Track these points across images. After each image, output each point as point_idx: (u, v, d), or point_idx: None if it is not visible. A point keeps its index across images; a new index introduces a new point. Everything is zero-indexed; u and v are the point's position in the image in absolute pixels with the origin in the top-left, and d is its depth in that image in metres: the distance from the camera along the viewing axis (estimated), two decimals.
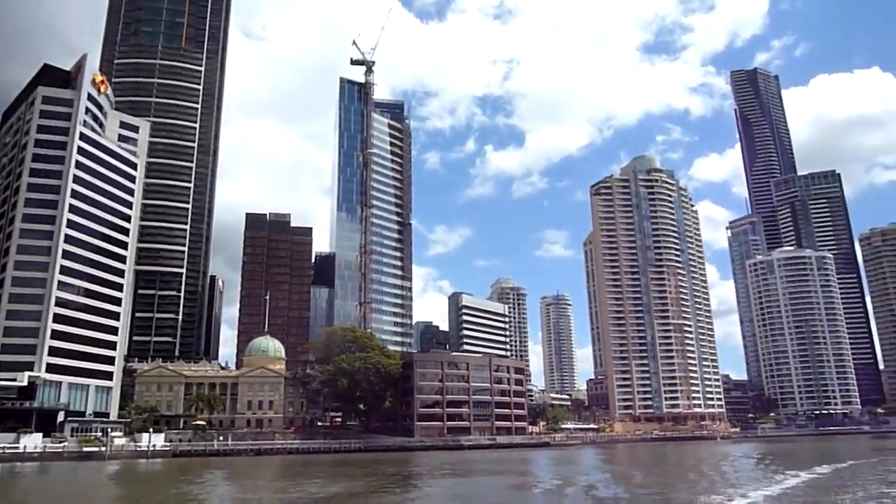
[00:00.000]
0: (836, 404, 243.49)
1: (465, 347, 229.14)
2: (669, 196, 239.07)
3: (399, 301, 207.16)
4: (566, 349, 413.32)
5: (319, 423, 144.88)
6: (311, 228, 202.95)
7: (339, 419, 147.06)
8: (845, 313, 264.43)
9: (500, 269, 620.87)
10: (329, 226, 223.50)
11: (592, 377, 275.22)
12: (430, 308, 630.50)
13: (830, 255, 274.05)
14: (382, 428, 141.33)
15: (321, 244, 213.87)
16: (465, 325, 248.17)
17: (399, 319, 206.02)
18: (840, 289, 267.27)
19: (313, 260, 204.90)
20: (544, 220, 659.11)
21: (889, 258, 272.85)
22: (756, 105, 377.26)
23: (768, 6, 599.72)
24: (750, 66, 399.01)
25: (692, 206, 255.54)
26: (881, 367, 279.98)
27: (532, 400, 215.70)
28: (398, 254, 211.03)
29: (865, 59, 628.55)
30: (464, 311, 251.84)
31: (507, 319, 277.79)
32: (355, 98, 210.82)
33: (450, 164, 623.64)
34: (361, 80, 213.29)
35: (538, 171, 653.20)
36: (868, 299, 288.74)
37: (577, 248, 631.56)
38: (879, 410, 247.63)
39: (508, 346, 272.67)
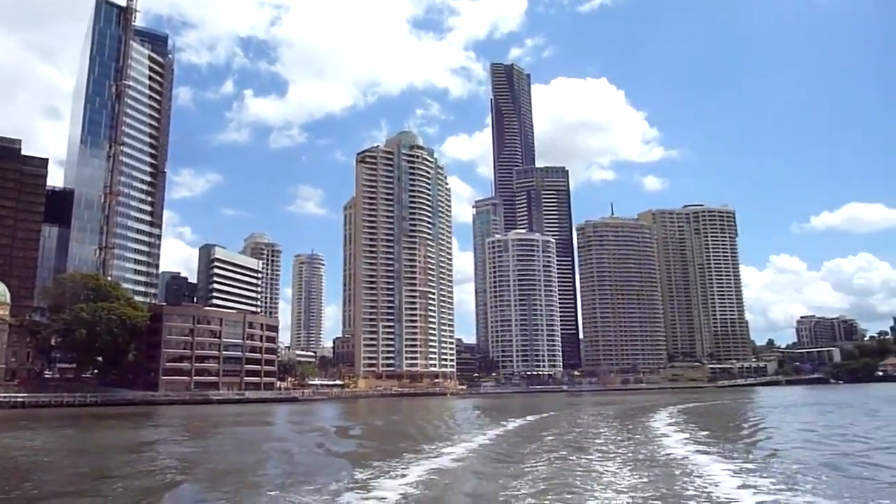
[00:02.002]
0: (544, 367, 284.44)
1: (215, 301, 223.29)
2: (428, 172, 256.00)
3: (146, 249, 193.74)
4: (315, 307, 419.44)
5: (48, 376, 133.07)
6: (46, 160, 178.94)
7: (74, 371, 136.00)
8: (559, 291, 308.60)
9: (249, 220, 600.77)
10: (66, 157, 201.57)
11: (339, 335, 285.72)
12: (168, 255, 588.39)
13: (553, 240, 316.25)
14: (122, 381, 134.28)
15: (51, 176, 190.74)
16: (216, 279, 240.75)
17: (144, 268, 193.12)
18: (557, 269, 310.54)
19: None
20: (300, 175, 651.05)
21: (596, 247, 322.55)
22: (509, 98, 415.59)
23: (526, 7, 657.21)
24: (505, 57, 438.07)
25: (446, 184, 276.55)
26: (581, 336, 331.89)
27: (279, 356, 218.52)
28: (149, 198, 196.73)
29: (597, 70, 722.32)
30: (216, 264, 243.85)
31: (260, 275, 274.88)
32: (113, 22, 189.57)
33: (203, 103, 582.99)
34: (122, 2, 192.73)
35: (298, 124, 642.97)
36: (577, 280, 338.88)
37: (330, 208, 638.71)
38: (576, 373, 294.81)
39: (260, 302, 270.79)
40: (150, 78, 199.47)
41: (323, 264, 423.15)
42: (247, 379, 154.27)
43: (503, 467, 29.95)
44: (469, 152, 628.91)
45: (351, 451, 44.50)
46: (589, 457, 32.88)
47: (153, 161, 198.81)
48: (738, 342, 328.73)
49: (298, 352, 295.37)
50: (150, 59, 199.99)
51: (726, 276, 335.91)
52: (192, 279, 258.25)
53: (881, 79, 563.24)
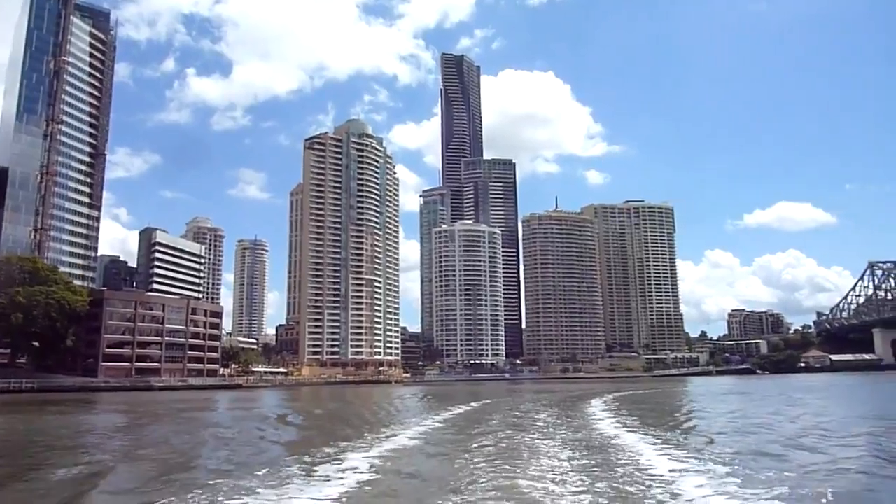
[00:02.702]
0: (487, 356, 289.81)
1: (156, 286, 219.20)
2: (377, 161, 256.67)
3: (83, 231, 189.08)
4: (258, 294, 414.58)
5: None
6: None
7: (8, 357, 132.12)
8: (503, 281, 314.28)
9: (188, 203, 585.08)
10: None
11: (282, 323, 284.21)
12: (102, 237, 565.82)
13: (499, 231, 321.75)
14: (59, 367, 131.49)
15: None
16: (157, 263, 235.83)
17: (82, 251, 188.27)
18: (503, 260, 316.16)
19: None
20: (243, 159, 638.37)
21: (541, 239, 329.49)
22: (459, 89, 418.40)
23: None
24: (454, 47, 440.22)
25: (395, 173, 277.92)
26: (524, 326, 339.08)
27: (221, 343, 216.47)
28: (87, 179, 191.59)
29: (545, 64, 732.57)
30: (157, 248, 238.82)
31: (203, 261, 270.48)
32: None
33: (142, 80, 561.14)
34: None
35: (243, 106, 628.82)
36: (521, 271, 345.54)
37: (274, 192, 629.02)
38: (518, 361, 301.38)
39: (202, 288, 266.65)
40: (91, 55, 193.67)
41: (266, 250, 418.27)
42: (189, 365, 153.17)
43: (456, 443, 32.56)
44: (417, 141, 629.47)
45: (309, 433, 45.99)
46: (532, 436, 35.84)
47: (92, 141, 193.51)
48: (673, 334, 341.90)
49: (240, 338, 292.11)
50: (91, 34, 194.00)
51: (664, 270, 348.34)
52: (129, 262, 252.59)
53: (812, 81, 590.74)
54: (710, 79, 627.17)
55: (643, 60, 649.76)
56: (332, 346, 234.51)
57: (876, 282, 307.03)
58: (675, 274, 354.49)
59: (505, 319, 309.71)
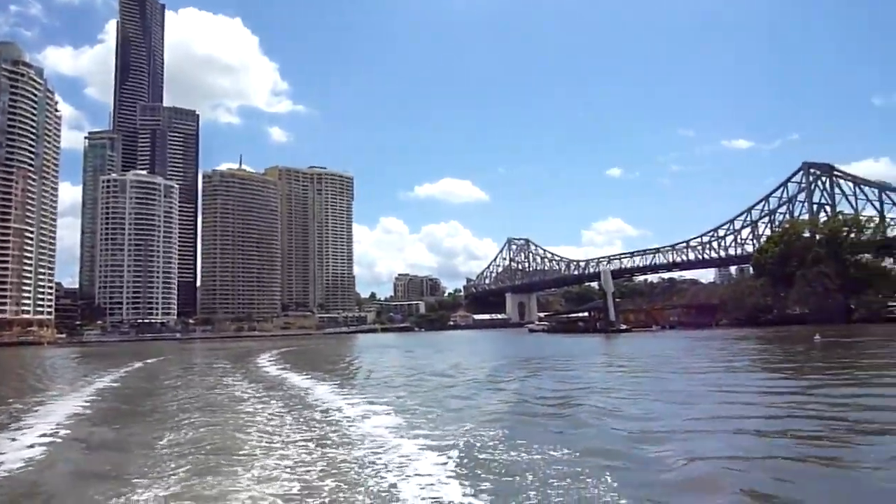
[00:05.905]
0: (157, 314, 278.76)
1: None
2: (34, 95, 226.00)
3: None
4: None
5: None
6: None
7: None
8: (179, 238, 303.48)
9: None
10: None
11: None
12: None
13: (177, 185, 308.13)
14: None
15: None
16: None
17: None
18: (179, 216, 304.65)
19: None
20: None
21: (222, 197, 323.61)
22: (140, 27, 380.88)
23: None
24: None
25: (57, 111, 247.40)
26: (199, 284, 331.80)
27: None
28: None
29: (233, 10, 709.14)
30: None
31: None
32: None
33: None
34: None
35: None
36: (199, 227, 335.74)
37: None
38: (191, 321, 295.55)
39: None
40: None
41: None
42: None
43: (152, 388, 40.14)
44: (75, 68, 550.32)
45: None
46: (216, 377, 45.27)
47: None
48: (346, 294, 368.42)
49: None
50: None
51: (341, 234, 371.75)
52: None
53: (492, 72, 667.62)
54: (396, 53, 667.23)
55: (336, 24, 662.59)
56: None
57: (511, 254, 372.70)
58: (352, 238, 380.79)
59: (179, 277, 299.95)
